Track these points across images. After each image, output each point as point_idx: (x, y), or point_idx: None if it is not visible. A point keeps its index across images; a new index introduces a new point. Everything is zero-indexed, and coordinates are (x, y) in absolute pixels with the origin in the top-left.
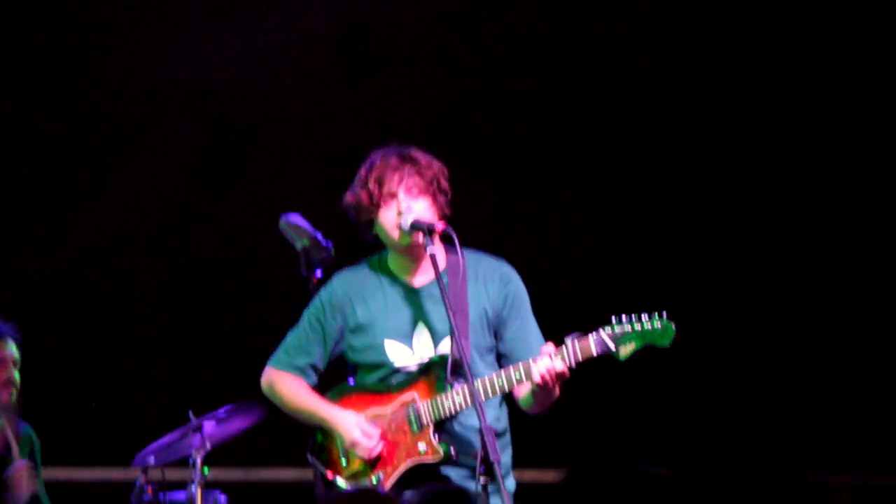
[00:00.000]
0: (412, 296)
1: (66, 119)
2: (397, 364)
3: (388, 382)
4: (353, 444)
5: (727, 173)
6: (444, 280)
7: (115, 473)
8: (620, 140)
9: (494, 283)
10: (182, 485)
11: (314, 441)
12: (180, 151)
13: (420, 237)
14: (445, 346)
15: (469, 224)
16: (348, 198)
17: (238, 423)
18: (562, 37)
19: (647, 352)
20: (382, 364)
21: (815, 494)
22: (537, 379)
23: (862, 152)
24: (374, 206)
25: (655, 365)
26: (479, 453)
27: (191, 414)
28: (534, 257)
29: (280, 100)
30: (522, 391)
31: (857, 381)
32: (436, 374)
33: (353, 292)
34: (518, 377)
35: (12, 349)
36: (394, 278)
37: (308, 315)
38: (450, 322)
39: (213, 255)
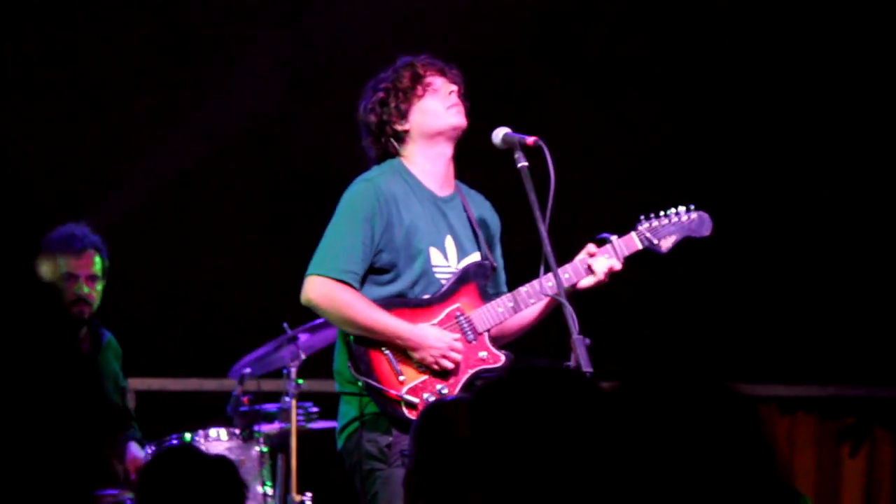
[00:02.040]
0: (439, 205)
1: (164, 26)
2: (437, 273)
3: (423, 293)
4: (442, 358)
5: (812, 83)
6: (459, 198)
7: (209, 384)
8: (714, 49)
9: (488, 210)
10: (276, 396)
11: (358, 360)
12: (276, 59)
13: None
14: (469, 261)
15: (557, 130)
16: (376, 94)
17: (332, 334)
18: None
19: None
20: (422, 270)
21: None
22: (601, 276)
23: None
24: (419, 90)
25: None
26: (571, 365)
27: (286, 325)
28: (619, 166)
29: (371, 6)
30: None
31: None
32: (475, 282)
33: (397, 193)
34: (575, 273)
35: (93, 262)
36: (420, 185)
37: (356, 214)
38: (482, 238)
39: (307, 164)
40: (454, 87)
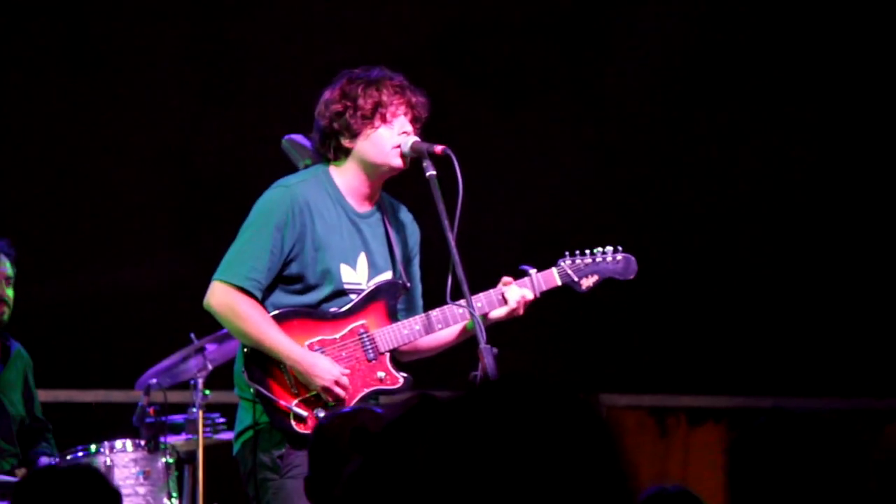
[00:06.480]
0: (357, 221)
1: (68, 31)
2: (348, 289)
3: (330, 306)
4: (326, 390)
5: (721, 92)
6: (379, 214)
7: (116, 395)
8: (616, 55)
9: (410, 223)
10: (184, 407)
11: (254, 366)
12: (185, 65)
13: (406, 161)
14: (380, 279)
15: (463, 140)
16: (338, 102)
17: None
18: None
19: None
20: (332, 285)
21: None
22: (513, 304)
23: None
24: (377, 120)
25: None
26: (479, 374)
27: (193, 336)
28: (526, 175)
29: (280, 11)
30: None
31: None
32: (385, 300)
33: (313, 203)
34: (488, 303)
35: (5, 266)
36: (340, 198)
37: (268, 221)
38: (398, 256)
39: (215, 173)
40: (409, 128)
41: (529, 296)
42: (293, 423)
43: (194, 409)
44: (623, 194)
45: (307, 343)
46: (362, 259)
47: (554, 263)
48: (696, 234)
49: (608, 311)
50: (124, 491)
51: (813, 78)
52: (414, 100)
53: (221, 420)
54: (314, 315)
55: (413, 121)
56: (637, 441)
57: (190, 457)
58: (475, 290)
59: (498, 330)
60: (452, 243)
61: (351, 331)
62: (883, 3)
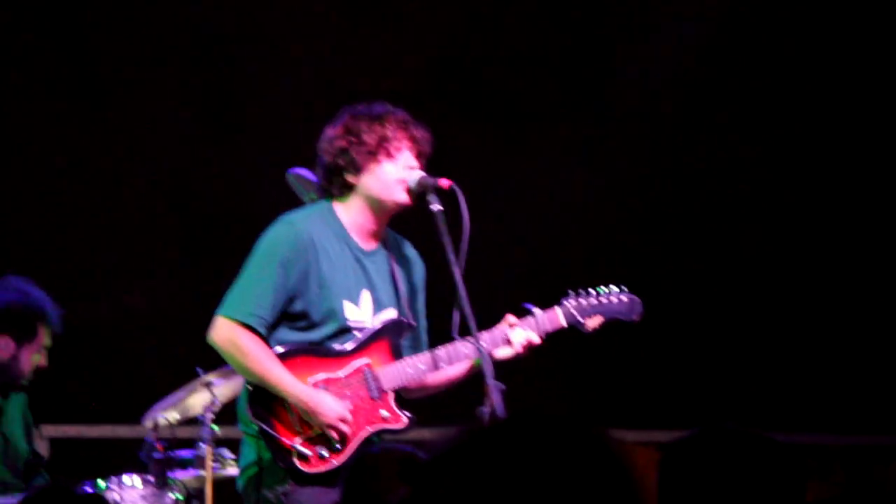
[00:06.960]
0: (361, 258)
1: (72, 62)
2: (352, 326)
3: (334, 344)
4: (330, 427)
5: (728, 119)
6: (384, 252)
7: (123, 431)
8: (617, 85)
9: (413, 260)
10: (191, 442)
11: (258, 404)
12: (187, 97)
13: (410, 197)
14: (385, 316)
15: (466, 172)
16: (342, 138)
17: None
18: None
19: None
20: (336, 323)
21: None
22: (518, 348)
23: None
24: (381, 154)
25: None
26: (486, 410)
27: (199, 370)
28: (532, 207)
29: (283, 45)
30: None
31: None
32: (389, 338)
33: (318, 240)
34: (492, 342)
35: (47, 335)
36: (345, 235)
37: (272, 258)
38: (403, 293)
39: (221, 207)
40: (414, 163)
41: (536, 340)
42: (296, 461)
43: (202, 445)
44: (630, 227)
45: (311, 380)
46: (366, 296)
47: (558, 302)
48: (706, 269)
49: (616, 346)
50: None
51: (817, 100)
52: (418, 134)
53: (230, 455)
54: (318, 352)
55: (418, 156)
56: (646, 477)
57: (198, 492)
58: (481, 326)
59: (505, 365)
60: (459, 278)
61: (356, 370)
62: (882, 3)
